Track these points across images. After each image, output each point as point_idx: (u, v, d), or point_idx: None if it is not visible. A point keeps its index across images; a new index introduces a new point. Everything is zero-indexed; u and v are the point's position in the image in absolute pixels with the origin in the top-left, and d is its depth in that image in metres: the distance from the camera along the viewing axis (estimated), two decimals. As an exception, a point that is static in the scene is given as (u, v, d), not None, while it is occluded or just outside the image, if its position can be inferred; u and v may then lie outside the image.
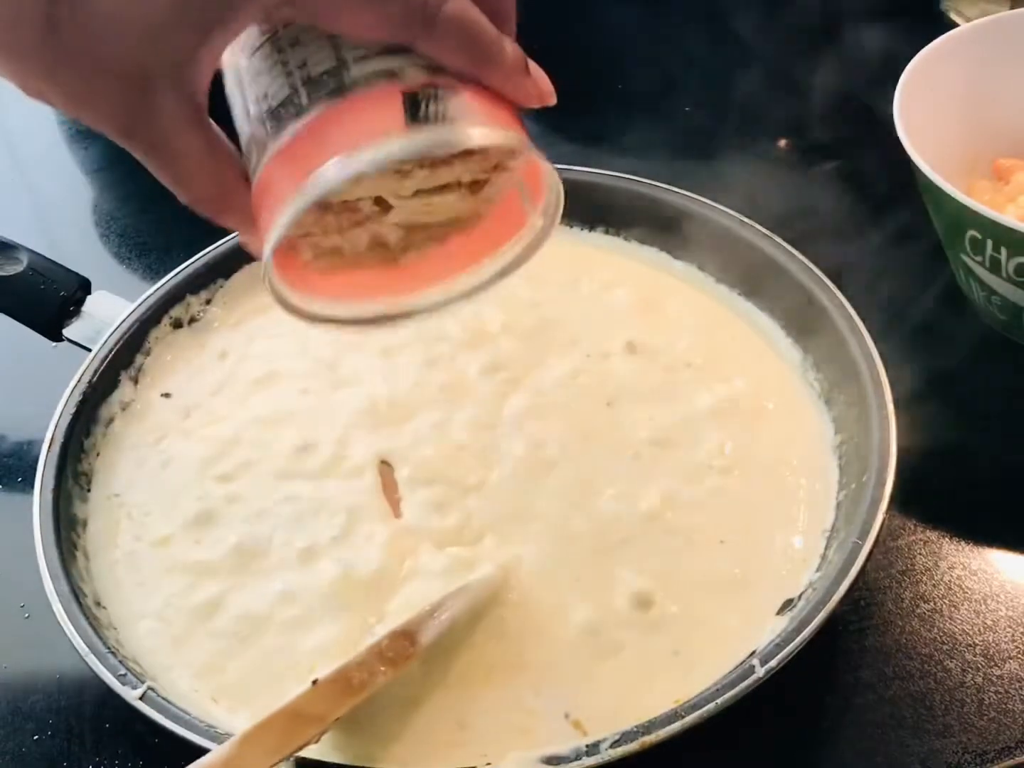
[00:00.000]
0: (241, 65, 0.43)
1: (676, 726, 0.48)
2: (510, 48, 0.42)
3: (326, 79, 0.40)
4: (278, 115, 0.41)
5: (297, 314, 0.46)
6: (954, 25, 0.84)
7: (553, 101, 0.45)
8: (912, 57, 0.72)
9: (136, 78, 0.38)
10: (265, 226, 0.41)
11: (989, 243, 0.63)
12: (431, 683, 0.53)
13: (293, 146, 0.40)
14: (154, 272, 0.81)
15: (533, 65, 0.43)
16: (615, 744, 0.49)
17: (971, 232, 0.64)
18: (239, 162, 0.43)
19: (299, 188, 0.39)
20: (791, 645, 0.50)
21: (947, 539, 0.62)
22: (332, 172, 0.38)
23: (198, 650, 0.56)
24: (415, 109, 0.39)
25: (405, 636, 0.52)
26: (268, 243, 0.41)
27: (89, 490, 0.63)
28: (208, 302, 0.73)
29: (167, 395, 0.68)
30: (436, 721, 0.52)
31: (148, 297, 0.71)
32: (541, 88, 0.44)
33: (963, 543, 0.62)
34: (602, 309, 0.71)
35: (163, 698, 0.52)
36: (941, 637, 0.57)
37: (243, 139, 0.43)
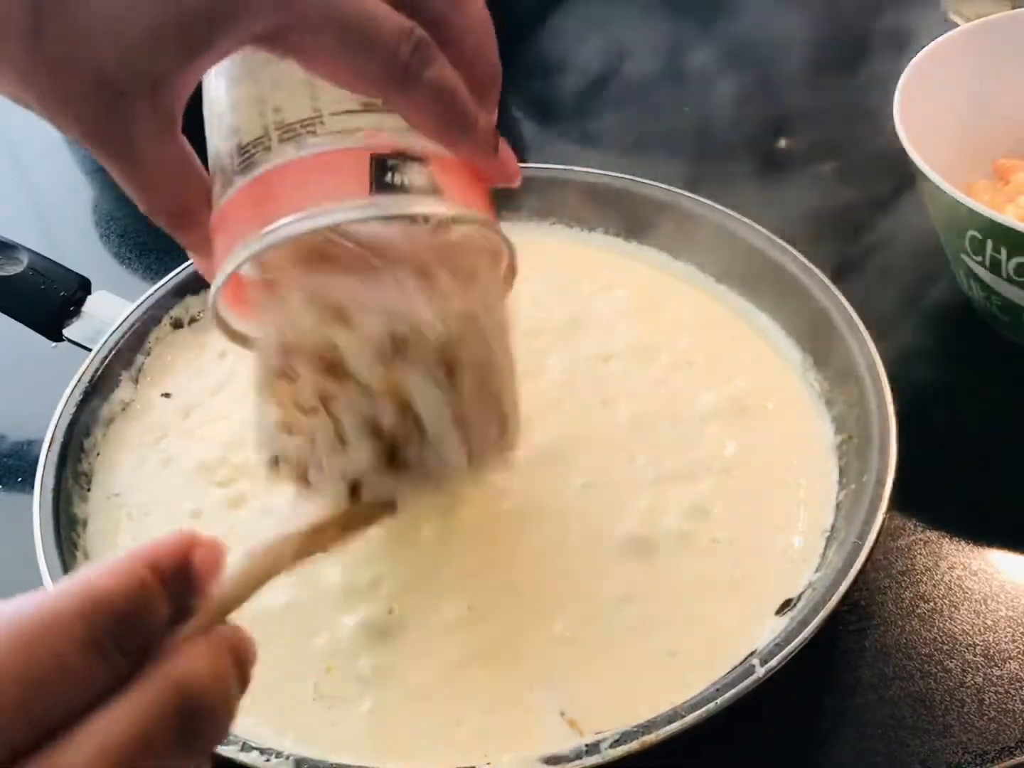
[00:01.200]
0: (220, 89, 0.43)
1: (676, 726, 0.48)
2: (483, 123, 0.42)
3: (299, 128, 0.41)
4: (247, 153, 0.41)
5: (239, 341, 0.46)
6: (954, 25, 0.84)
7: (517, 183, 0.46)
8: (912, 57, 0.72)
9: (114, 88, 0.39)
10: (219, 258, 0.41)
11: (989, 243, 0.63)
12: (429, 678, 0.54)
13: (255, 188, 0.41)
14: (154, 272, 0.81)
15: (503, 143, 0.44)
16: (615, 744, 0.49)
17: (971, 232, 0.64)
18: (205, 182, 0.43)
19: (253, 235, 0.39)
20: (791, 645, 0.50)
21: (947, 539, 0.62)
22: (288, 227, 0.39)
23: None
24: (381, 174, 0.39)
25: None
26: (216, 280, 0.41)
27: (89, 490, 0.63)
28: (208, 302, 0.73)
29: (167, 395, 0.68)
30: (434, 717, 0.52)
31: (148, 297, 0.71)
32: (507, 169, 0.45)
33: (963, 543, 0.62)
34: (602, 309, 0.71)
35: (163, 698, 0.51)
36: (941, 637, 0.57)
37: (211, 158, 0.44)
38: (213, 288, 0.42)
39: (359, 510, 0.44)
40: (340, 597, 0.57)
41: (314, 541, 0.42)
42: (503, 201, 0.77)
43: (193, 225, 0.43)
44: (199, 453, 0.64)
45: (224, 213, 0.42)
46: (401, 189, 0.39)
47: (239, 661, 0.33)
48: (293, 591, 0.57)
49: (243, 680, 0.34)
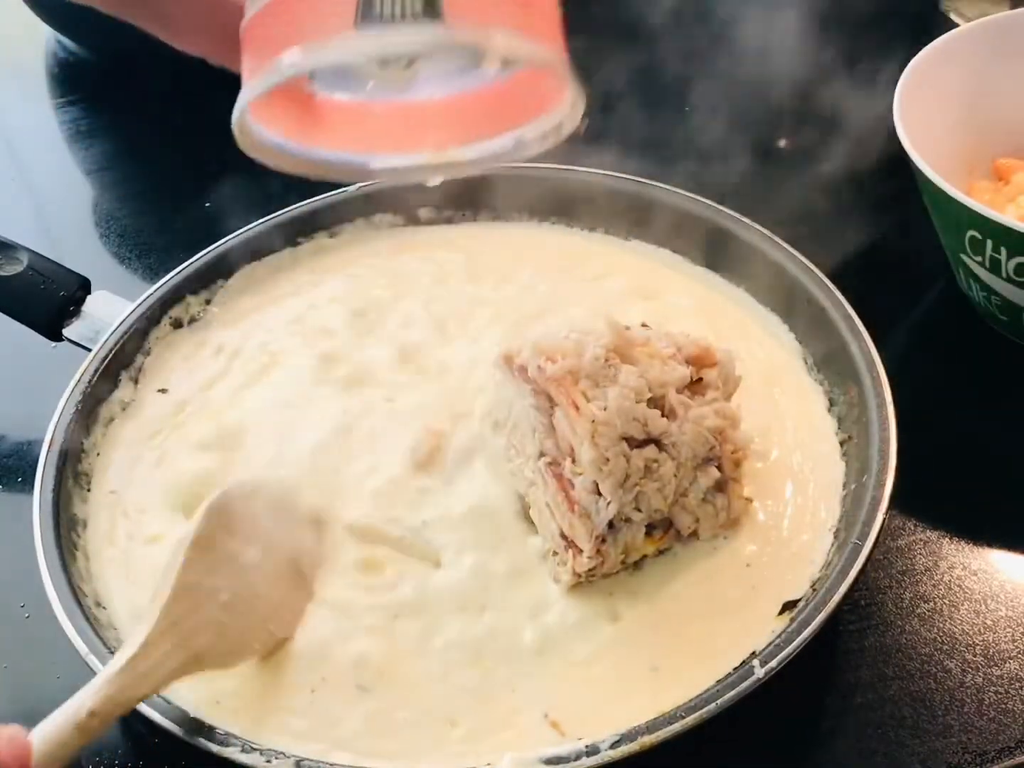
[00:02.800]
0: None
1: (676, 726, 0.48)
2: None
3: None
4: None
5: (264, 155, 0.43)
6: (954, 25, 0.84)
7: None
8: (912, 57, 0.72)
9: None
10: (245, 74, 0.39)
11: (989, 243, 0.63)
12: (425, 676, 0.54)
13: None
14: (154, 272, 0.81)
15: None
16: (615, 744, 0.49)
17: (971, 232, 0.64)
18: None
19: (278, 60, 0.37)
20: (791, 646, 0.50)
21: (947, 539, 0.62)
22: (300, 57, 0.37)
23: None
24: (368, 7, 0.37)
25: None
26: (243, 97, 0.39)
27: (89, 490, 0.63)
28: (208, 302, 0.73)
29: (163, 391, 0.69)
30: (430, 716, 0.53)
31: (148, 297, 0.71)
32: None
33: (963, 543, 0.62)
34: (601, 295, 0.72)
35: (163, 698, 0.52)
36: (941, 637, 0.57)
37: None
38: (240, 104, 0.40)
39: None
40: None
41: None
42: (503, 201, 0.78)
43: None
44: (191, 448, 0.65)
45: (253, 23, 0.40)
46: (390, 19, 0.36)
47: None
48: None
49: None
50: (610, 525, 0.54)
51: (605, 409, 0.53)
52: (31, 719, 0.56)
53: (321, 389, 0.67)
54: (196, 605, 0.51)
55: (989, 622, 0.58)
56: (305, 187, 0.77)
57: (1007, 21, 0.75)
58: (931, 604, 0.59)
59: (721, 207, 0.72)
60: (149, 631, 0.49)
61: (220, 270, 0.74)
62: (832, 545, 0.57)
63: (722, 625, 0.55)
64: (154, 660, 0.49)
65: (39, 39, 1.08)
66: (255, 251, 0.75)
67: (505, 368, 0.59)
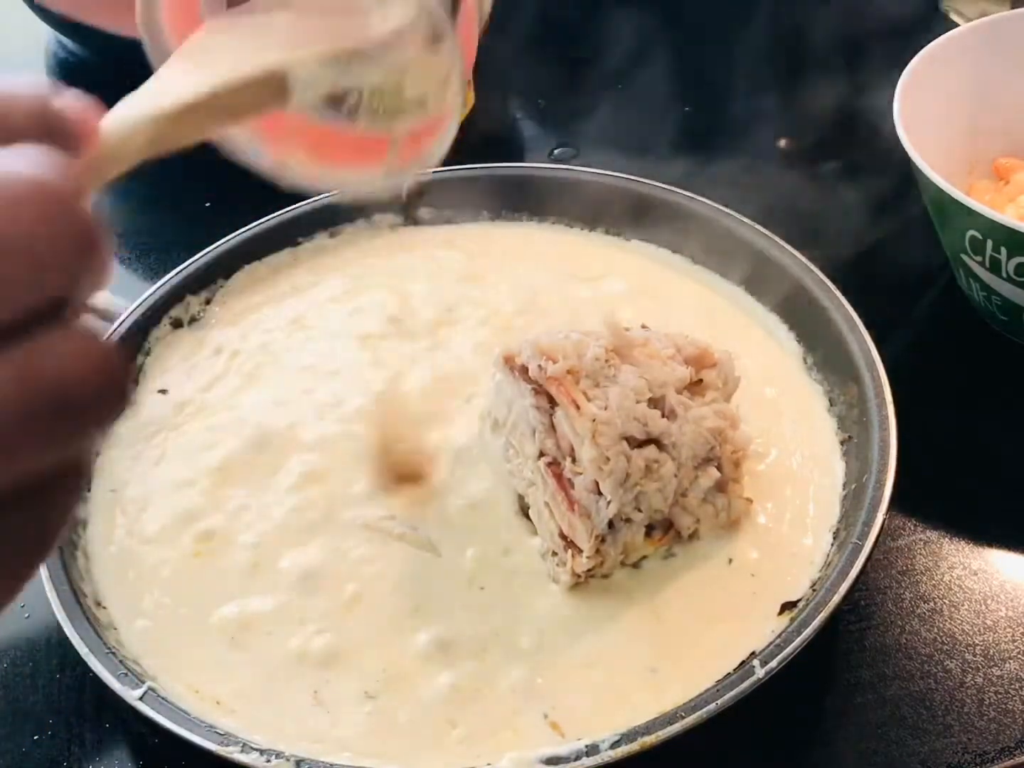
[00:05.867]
0: None
1: (676, 727, 0.48)
2: None
3: None
4: None
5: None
6: (954, 25, 0.84)
7: None
8: (912, 57, 0.72)
9: None
10: None
11: (989, 243, 0.63)
12: (424, 677, 0.54)
13: None
14: (154, 272, 0.81)
15: None
16: (615, 744, 0.49)
17: (971, 232, 0.64)
18: None
19: None
20: (791, 646, 0.50)
21: (947, 539, 0.62)
22: None
23: (196, 650, 0.56)
24: None
25: None
26: None
27: (89, 490, 0.63)
28: (208, 302, 0.73)
29: (163, 391, 0.69)
30: (430, 716, 0.53)
31: (148, 297, 0.71)
32: None
33: (963, 543, 0.62)
34: (600, 296, 0.72)
35: (163, 698, 0.52)
36: (941, 637, 0.57)
37: None
38: None
39: (245, 92, 0.40)
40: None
41: (188, 120, 0.39)
42: (503, 202, 0.78)
43: None
44: (190, 448, 0.65)
45: None
46: None
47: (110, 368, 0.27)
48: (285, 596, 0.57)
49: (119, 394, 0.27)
50: (610, 525, 0.54)
51: (606, 408, 0.53)
52: (31, 720, 0.57)
53: (321, 390, 0.67)
54: (218, 36, 0.43)
55: (989, 622, 0.58)
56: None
57: (1007, 21, 0.75)
58: (931, 604, 0.59)
59: (721, 207, 0.72)
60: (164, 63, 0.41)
61: (220, 270, 0.74)
62: (832, 545, 0.57)
63: (722, 625, 0.55)
64: (177, 75, 0.41)
65: (39, 39, 1.08)
66: (255, 251, 0.75)
67: (505, 368, 0.59)
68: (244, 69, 0.40)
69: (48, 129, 0.28)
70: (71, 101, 0.30)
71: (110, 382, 0.27)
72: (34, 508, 0.27)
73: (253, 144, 0.45)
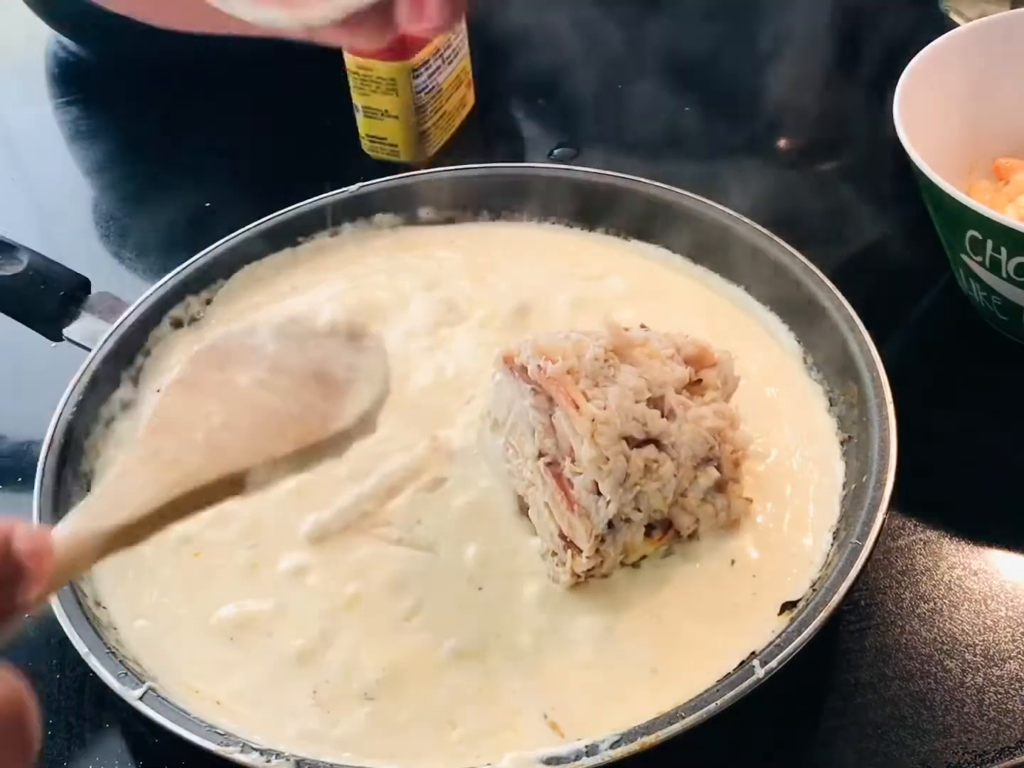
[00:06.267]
0: None
1: (676, 727, 0.48)
2: None
3: None
4: None
5: None
6: (954, 25, 0.84)
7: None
8: (912, 57, 0.72)
9: None
10: None
11: (989, 243, 0.63)
12: (424, 677, 0.54)
13: None
14: (154, 272, 0.81)
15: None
16: (615, 744, 0.49)
17: (971, 232, 0.64)
18: None
19: None
20: (791, 646, 0.50)
21: (947, 539, 0.62)
22: None
23: (196, 650, 0.56)
24: None
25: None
26: None
27: (89, 490, 0.63)
28: (208, 302, 0.73)
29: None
30: (430, 717, 0.53)
31: (148, 297, 0.71)
32: None
33: (963, 543, 0.62)
34: (600, 295, 0.72)
35: (163, 698, 0.52)
36: (941, 637, 0.57)
37: None
38: None
39: (202, 493, 0.43)
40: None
41: (145, 525, 0.41)
42: (503, 202, 0.78)
43: None
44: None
45: None
46: None
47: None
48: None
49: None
50: (609, 525, 0.54)
51: (605, 408, 0.53)
52: (31, 719, 0.57)
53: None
54: (181, 431, 0.45)
55: (989, 622, 0.58)
56: (305, 187, 0.77)
57: (1007, 21, 0.75)
58: (931, 604, 0.59)
59: (721, 207, 0.72)
60: (125, 460, 0.44)
61: (220, 270, 0.74)
62: (832, 545, 0.57)
63: (722, 625, 0.55)
64: (136, 484, 0.42)
65: (39, 39, 1.08)
66: (255, 251, 0.75)
67: (505, 368, 0.59)
68: (204, 476, 0.43)
69: (8, 571, 0.34)
70: (27, 534, 0.34)
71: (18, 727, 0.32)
72: None
73: None
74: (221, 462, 0.44)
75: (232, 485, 0.44)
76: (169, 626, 0.57)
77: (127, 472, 0.43)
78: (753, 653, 0.52)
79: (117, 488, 0.42)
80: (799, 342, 0.68)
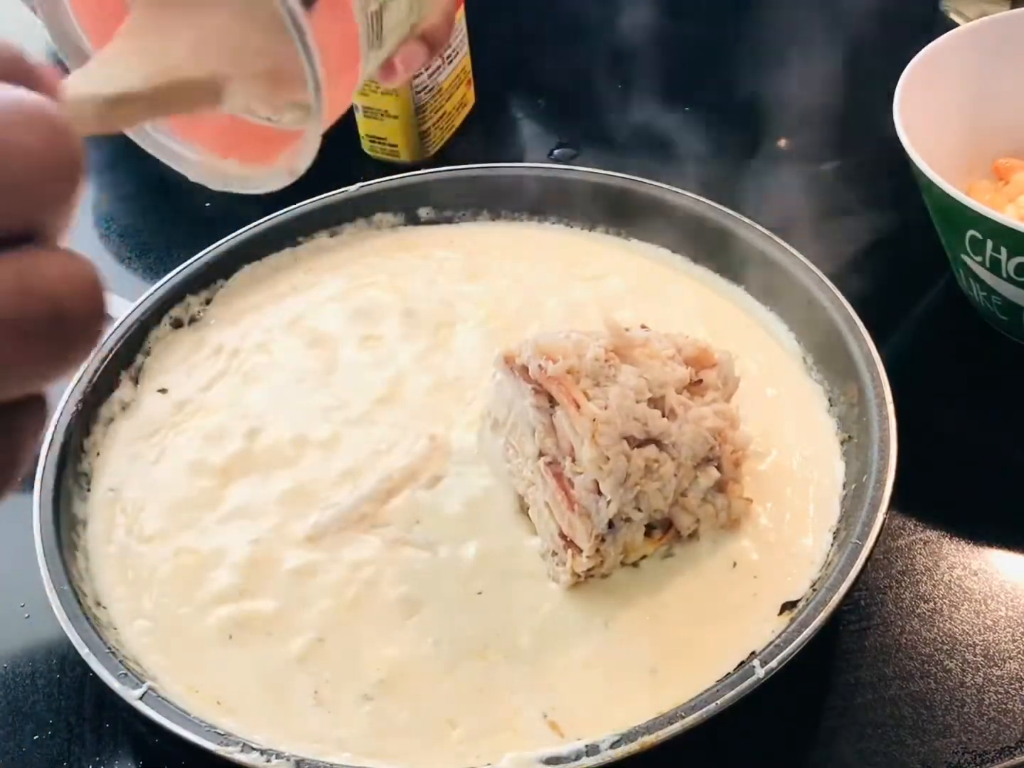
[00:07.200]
0: None
1: (676, 726, 0.48)
2: None
3: None
4: None
5: None
6: (954, 25, 0.84)
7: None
8: (912, 57, 0.72)
9: None
10: None
11: (989, 243, 0.63)
12: (424, 677, 0.54)
13: None
14: (154, 272, 0.81)
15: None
16: (615, 744, 0.49)
17: (971, 232, 0.64)
18: None
19: None
20: (791, 646, 0.50)
21: (947, 539, 0.62)
22: None
23: (196, 650, 0.56)
24: None
25: None
26: None
27: (89, 490, 0.63)
28: (208, 302, 0.73)
29: (163, 391, 0.69)
30: (429, 717, 0.53)
31: (148, 297, 0.71)
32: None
33: (963, 543, 0.62)
34: (600, 294, 0.72)
35: (163, 698, 0.52)
36: (941, 637, 0.57)
37: None
38: None
39: (181, 90, 0.41)
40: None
41: (126, 108, 0.39)
42: (503, 202, 0.78)
43: None
44: (189, 447, 0.65)
45: None
46: None
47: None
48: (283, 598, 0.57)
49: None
50: (610, 525, 0.54)
51: (606, 408, 0.53)
52: (31, 720, 0.57)
53: (320, 390, 0.67)
54: (167, 32, 0.42)
55: (989, 622, 0.58)
56: (305, 187, 0.77)
57: (1007, 21, 0.75)
58: (931, 604, 0.59)
59: (721, 207, 0.72)
60: (114, 43, 0.41)
61: (220, 270, 0.74)
62: (832, 545, 0.57)
63: (722, 625, 0.55)
64: (127, 65, 0.40)
65: (39, 39, 1.08)
66: (255, 251, 0.75)
67: (505, 368, 0.59)
68: (185, 70, 0.41)
69: (23, 75, 0.28)
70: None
71: (100, 305, 0.26)
72: (7, 433, 0.26)
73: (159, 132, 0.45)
74: (203, 63, 0.42)
75: (212, 93, 0.43)
76: (169, 626, 0.57)
77: (110, 48, 0.41)
78: (753, 653, 0.52)
79: (100, 63, 0.41)
80: (799, 342, 0.68)
